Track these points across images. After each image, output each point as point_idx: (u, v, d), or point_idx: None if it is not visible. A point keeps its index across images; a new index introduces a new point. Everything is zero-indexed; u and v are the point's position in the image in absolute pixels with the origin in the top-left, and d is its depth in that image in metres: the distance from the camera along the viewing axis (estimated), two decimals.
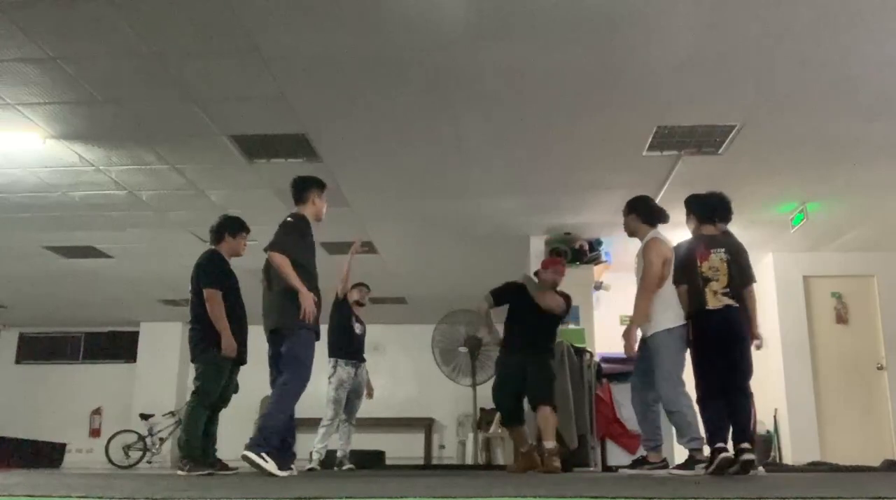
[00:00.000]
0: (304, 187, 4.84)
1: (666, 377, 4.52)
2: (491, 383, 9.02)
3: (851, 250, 8.37)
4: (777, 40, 4.38)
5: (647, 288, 4.61)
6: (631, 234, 4.96)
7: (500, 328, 8.78)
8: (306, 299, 4.40)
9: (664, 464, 4.74)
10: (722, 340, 4.45)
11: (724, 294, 4.49)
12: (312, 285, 4.54)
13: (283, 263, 4.42)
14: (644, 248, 4.75)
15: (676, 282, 4.66)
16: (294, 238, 4.58)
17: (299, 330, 4.49)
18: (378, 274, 8.56)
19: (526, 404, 5.58)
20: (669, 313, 4.59)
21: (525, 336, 5.52)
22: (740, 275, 4.57)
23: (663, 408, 4.62)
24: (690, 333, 4.56)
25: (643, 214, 4.88)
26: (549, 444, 5.25)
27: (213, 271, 5.11)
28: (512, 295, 5.68)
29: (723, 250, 4.58)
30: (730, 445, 4.36)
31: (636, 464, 4.87)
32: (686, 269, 4.61)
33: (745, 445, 4.31)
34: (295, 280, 4.39)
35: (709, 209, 4.75)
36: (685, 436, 4.49)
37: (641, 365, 4.75)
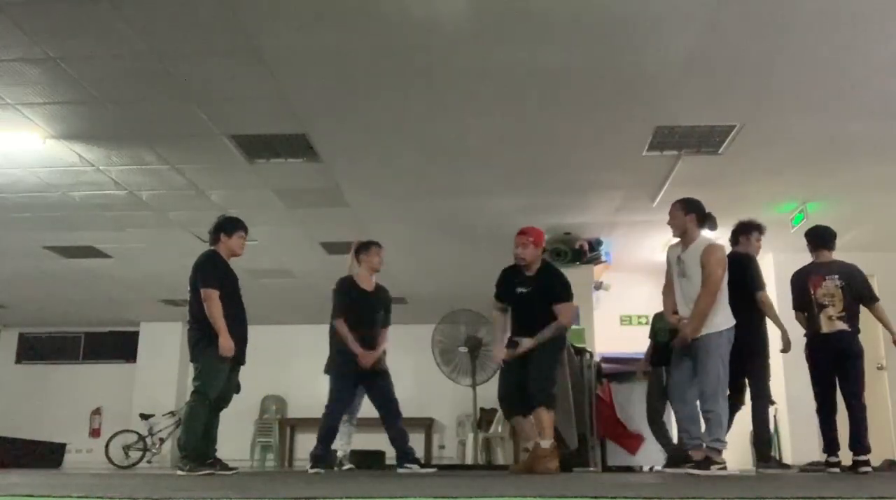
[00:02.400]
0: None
1: (712, 378, 4.55)
2: (490, 383, 9.07)
3: (851, 250, 8.33)
4: (777, 40, 4.38)
5: (711, 293, 4.57)
6: (680, 233, 4.82)
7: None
8: None
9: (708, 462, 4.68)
10: (836, 360, 5.18)
11: (840, 318, 5.16)
12: None
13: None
14: (704, 253, 4.64)
15: (794, 308, 5.40)
16: None
17: None
18: (378, 274, 8.54)
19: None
20: (720, 316, 4.61)
21: (519, 321, 5.18)
22: (857, 299, 5.21)
23: (700, 405, 4.62)
24: (807, 352, 5.28)
25: (700, 217, 4.78)
26: (545, 443, 4.85)
27: (209, 271, 5.11)
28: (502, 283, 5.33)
29: (837, 276, 5.22)
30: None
31: (677, 463, 4.85)
32: (801, 296, 5.33)
33: (861, 457, 5.06)
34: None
35: (821, 238, 5.41)
36: (713, 435, 4.52)
37: (685, 364, 4.73)
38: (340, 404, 5.59)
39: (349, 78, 4.81)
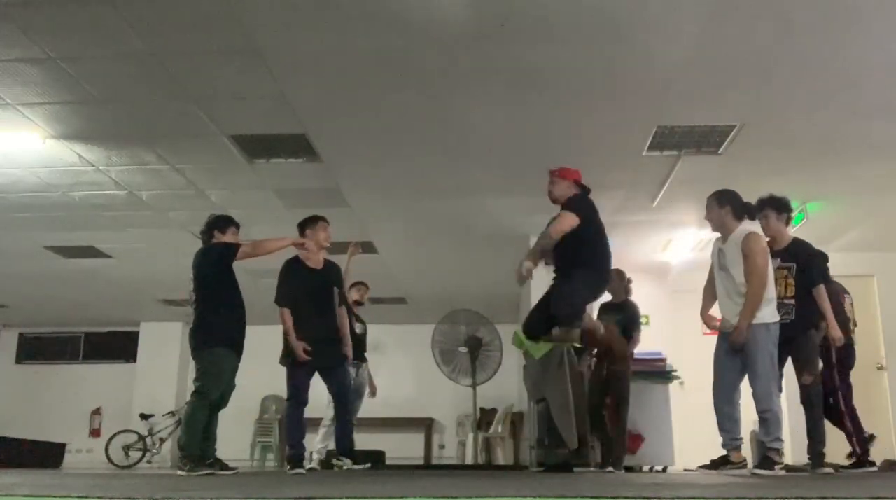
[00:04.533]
0: None
1: (763, 375, 4.43)
2: (490, 383, 9.08)
3: (851, 250, 8.36)
4: (777, 40, 4.38)
5: (761, 282, 4.46)
6: (718, 228, 4.75)
7: (500, 330, 8.80)
8: None
9: (745, 463, 4.63)
10: None
11: None
12: None
13: None
14: (744, 242, 4.54)
15: None
16: None
17: None
18: (378, 274, 8.55)
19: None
20: (767, 308, 4.50)
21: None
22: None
23: (756, 406, 4.49)
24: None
25: (737, 208, 4.70)
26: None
27: (221, 248, 5.10)
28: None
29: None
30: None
31: (717, 464, 4.73)
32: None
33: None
34: None
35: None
36: (771, 435, 4.42)
37: (735, 363, 4.60)
38: (296, 398, 5.23)
39: (349, 78, 4.81)
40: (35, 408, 12.32)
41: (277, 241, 5.27)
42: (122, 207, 7.08)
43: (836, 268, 8.56)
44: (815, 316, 4.98)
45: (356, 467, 5.25)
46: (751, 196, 6.69)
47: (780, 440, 4.43)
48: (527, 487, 2.65)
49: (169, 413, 11.17)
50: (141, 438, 10.91)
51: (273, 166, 6.22)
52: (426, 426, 12.07)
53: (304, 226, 5.55)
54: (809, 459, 5.15)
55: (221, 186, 6.70)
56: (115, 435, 10.92)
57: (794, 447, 7.95)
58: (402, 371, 11.95)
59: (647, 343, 6.43)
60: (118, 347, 12.86)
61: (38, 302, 11.14)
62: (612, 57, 4.56)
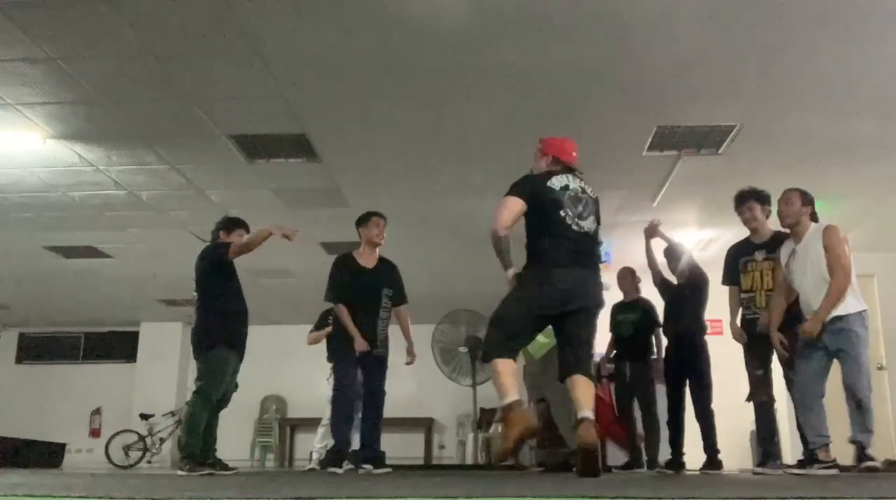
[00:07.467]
0: None
1: (864, 370, 4.36)
2: (491, 383, 9.08)
3: (851, 250, 8.33)
4: (777, 40, 4.38)
5: (847, 273, 4.39)
6: (792, 223, 4.61)
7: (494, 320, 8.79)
8: None
9: (836, 463, 4.48)
10: None
11: None
12: None
13: None
14: (825, 234, 4.47)
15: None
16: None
17: None
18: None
19: None
20: (851, 297, 4.40)
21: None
22: None
23: (860, 404, 4.39)
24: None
25: (814, 210, 4.63)
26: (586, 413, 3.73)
27: (214, 248, 5.11)
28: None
29: None
30: None
31: (804, 464, 4.61)
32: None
33: None
34: None
35: None
36: (868, 425, 4.37)
37: (816, 357, 4.49)
38: (343, 389, 5.23)
39: (349, 78, 4.81)
40: (35, 408, 12.30)
41: (258, 234, 4.93)
42: (122, 207, 7.08)
43: None
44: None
45: (377, 471, 5.07)
46: None
47: (870, 431, 4.34)
48: (527, 487, 2.65)
49: (169, 413, 11.17)
50: (141, 438, 10.91)
51: (273, 166, 6.22)
52: (426, 426, 12.07)
53: (357, 224, 5.52)
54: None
55: (221, 186, 6.70)
56: (115, 435, 10.93)
57: (794, 446, 7.96)
58: (402, 371, 11.90)
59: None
60: (118, 347, 12.86)
61: (38, 302, 11.14)
62: (612, 57, 4.56)
